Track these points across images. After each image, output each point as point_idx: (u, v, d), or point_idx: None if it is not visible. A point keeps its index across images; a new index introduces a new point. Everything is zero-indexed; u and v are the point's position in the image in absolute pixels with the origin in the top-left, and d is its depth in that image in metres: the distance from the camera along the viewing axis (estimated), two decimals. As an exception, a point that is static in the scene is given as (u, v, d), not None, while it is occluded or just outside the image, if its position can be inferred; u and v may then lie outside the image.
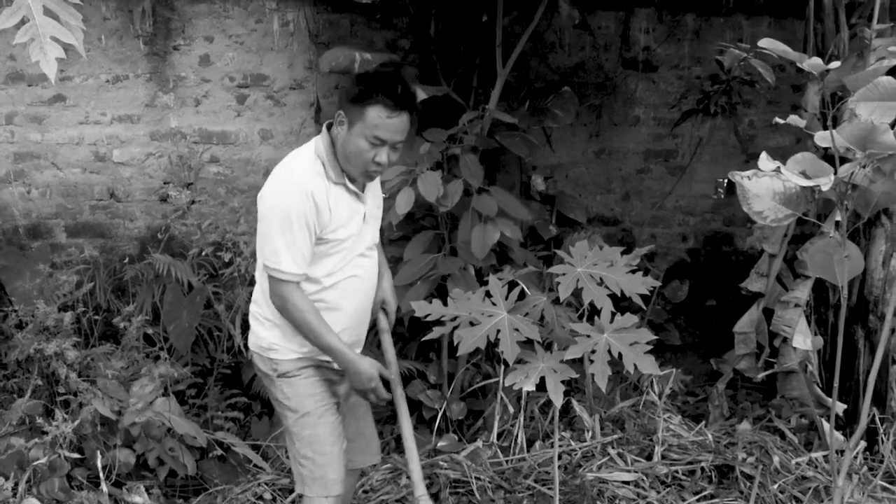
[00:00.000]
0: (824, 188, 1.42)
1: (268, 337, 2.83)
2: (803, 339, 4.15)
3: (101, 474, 3.44)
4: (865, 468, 3.84)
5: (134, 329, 4.06)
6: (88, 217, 5.04)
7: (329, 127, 2.75)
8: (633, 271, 2.71)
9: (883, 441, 4.00)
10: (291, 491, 3.76)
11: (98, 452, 3.51)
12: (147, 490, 3.60)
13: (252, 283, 4.19)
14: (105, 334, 4.50)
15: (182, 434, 3.71)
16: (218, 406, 4.22)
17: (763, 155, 1.51)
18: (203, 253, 4.28)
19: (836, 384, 1.72)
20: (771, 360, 4.34)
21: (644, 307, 2.95)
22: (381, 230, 3.04)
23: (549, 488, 3.70)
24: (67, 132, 4.96)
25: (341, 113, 2.66)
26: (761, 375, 4.32)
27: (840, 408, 3.93)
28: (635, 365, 2.51)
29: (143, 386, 3.77)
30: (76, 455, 3.54)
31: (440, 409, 4.18)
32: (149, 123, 4.97)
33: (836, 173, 1.47)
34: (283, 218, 2.62)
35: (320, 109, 5.00)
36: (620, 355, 2.52)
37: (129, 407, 3.67)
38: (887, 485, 3.75)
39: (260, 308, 2.86)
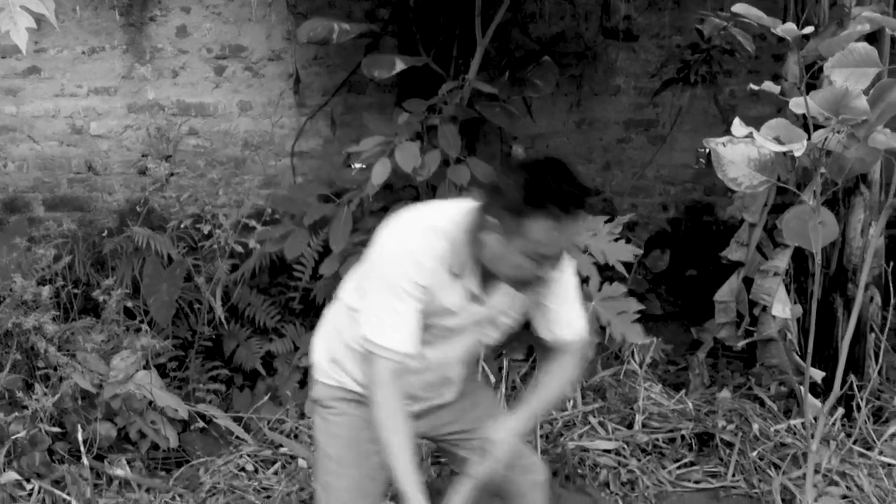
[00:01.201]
0: (797, 153, 1.42)
1: (318, 354, 2.48)
2: (782, 308, 4.17)
3: (82, 448, 3.44)
4: (843, 435, 3.88)
5: (114, 302, 4.04)
6: (66, 190, 5.00)
7: (480, 210, 2.16)
8: (616, 240, 2.72)
9: (860, 408, 4.04)
10: (274, 462, 3.78)
11: (79, 426, 3.51)
12: (129, 463, 3.60)
13: (232, 254, 4.20)
14: (84, 308, 4.47)
15: (163, 407, 3.71)
16: (199, 378, 4.21)
17: (736, 121, 1.51)
18: (182, 225, 4.25)
19: (809, 350, 1.74)
20: (751, 328, 4.36)
21: (626, 276, 2.96)
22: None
23: (530, 457, 3.72)
24: (43, 105, 4.91)
25: (491, 221, 2.11)
26: (741, 344, 4.34)
27: (817, 375, 3.96)
28: (622, 334, 2.52)
29: (124, 359, 3.75)
30: (56, 429, 3.53)
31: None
32: (126, 95, 4.92)
33: (809, 139, 1.47)
34: (385, 287, 2.18)
35: (299, 80, 4.97)
36: (608, 323, 2.54)
37: (109, 380, 3.66)
38: (863, 451, 3.79)
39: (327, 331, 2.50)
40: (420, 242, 2.17)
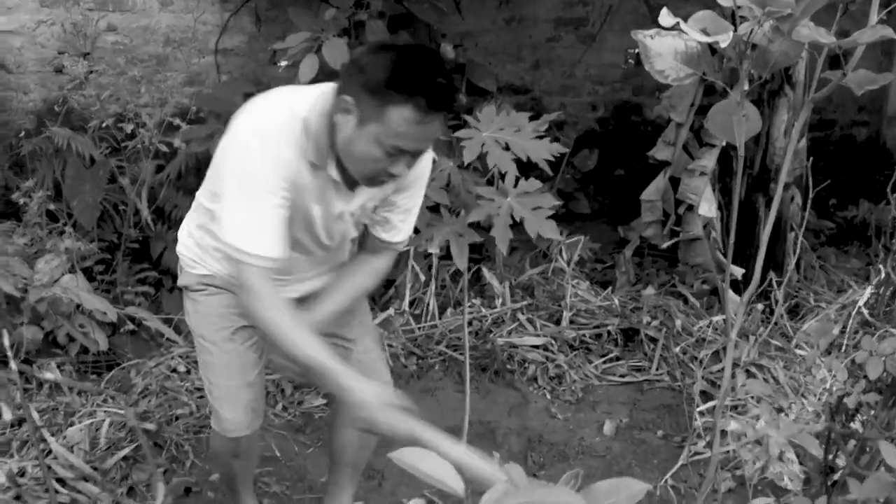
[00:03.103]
0: (723, 45, 1.43)
1: (185, 245, 2.37)
2: (708, 207, 4.27)
3: (8, 352, 3.38)
4: (762, 329, 4.03)
5: (35, 205, 3.92)
6: (-22, 90, 4.79)
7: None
8: (541, 138, 2.72)
9: (779, 304, 4.19)
10: (206, 363, 3.77)
11: (4, 331, 3.44)
12: (59, 367, 3.56)
13: (157, 155, 4.10)
14: (5, 213, 4.35)
15: (91, 310, 3.65)
16: (127, 281, 4.15)
17: (664, 10, 1.51)
18: (104, 125, 4.12)
19: (730, 247, 1.78)
20: (676, 227, 4.46)
21: (552, 174, 2.99)
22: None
23: (460, 353, 3.79)
24: (-53, -2, 4.65)
25: (347, 100, 1.90)
26: (667, 243, 4.44)
27: (738, 272, 4.09)
28: (536, 230, 2.55)
29: (48, 262, 3.67)
30: (-20, 335, 3.47)
31: (353, 278, 4.17)
32: (37, -12, 4.69)
33: (735, 31, 1.48)
34: (253, 185, 1.99)
35: (222, -26, 4.79)
36: (523, 220, 2.56)
37: (34, 284, 3.59)
38: (780, 344, 3.95)
39: (187, 219, 2.39)
40: (276, 130, 1.97)
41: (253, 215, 1.96)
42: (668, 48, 1.51)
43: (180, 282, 2.39)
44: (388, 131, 1.86)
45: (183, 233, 2.38)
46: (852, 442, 2.32)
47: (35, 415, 3.27)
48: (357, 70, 1.90)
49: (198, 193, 2.29)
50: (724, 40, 1.42)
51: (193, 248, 2.32)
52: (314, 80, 3.80)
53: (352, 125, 1.91)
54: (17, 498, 2.84)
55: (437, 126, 1.93)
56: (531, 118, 2.76)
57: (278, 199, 1.97)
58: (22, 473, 2.98)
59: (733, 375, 3.72)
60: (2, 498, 2.79)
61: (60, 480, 2.96)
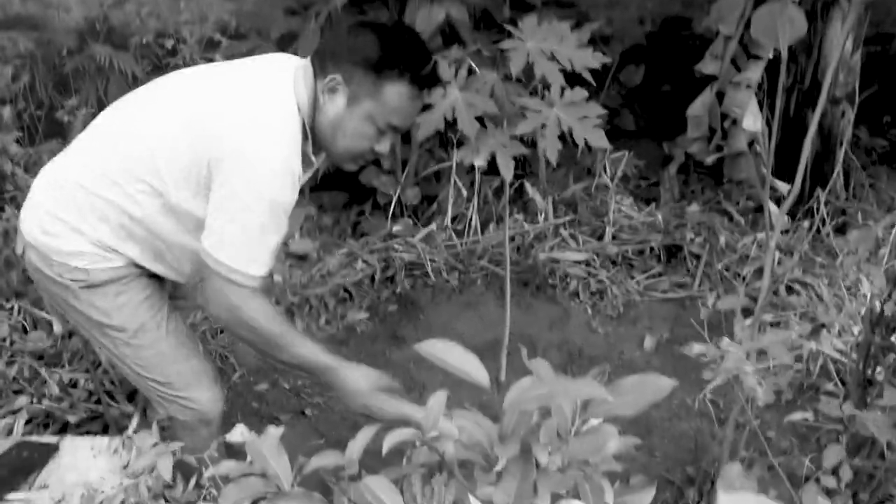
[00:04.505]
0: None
1: (74, 242, 2.01)
2: (753, 121, 4.18)
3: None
4: (807, 246, 3.97)
5: (79, 123, 3.96)
6: (19, 8, 4.80)
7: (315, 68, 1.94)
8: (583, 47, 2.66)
9: (825, 222, 4.12)
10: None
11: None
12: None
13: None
14: (50, 132, 4.40)
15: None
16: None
17: None
18: (145, 42, 4.13)
19: (771, 160, 1.75)
20: (722, 143, 4.38)
21: (595, 85, 2.93)
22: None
23: (501, 268, 3.79)
24: (-12, -86, 4.64)
25: (336, 78, 1.88)
26: (712, 158, 4.37)
27: (783, 187, 4.01)
28: (586, 141, 2.51)
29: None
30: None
31: (395, 194, 4.19)
32: None
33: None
34: (267, 212, 1.86)
35: None
36: (571, 130, 2.52)
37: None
38: (824, 262, 3.89)
39: (68, 214, 2.01)
40: (289, 142, 1.87)
41: (261, 242, 1.88)
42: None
43: (83, 284, 2.03)
44: (384, 108, 1.88)
45: (58, 232, 2.00)
46: (892, 356, 2.29)
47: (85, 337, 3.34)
48: (346, 49, 1.89)
49: (84, 179, 2.00)
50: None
51: (91, 243, 2.01)
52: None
53: (340, 104, 1.90)
54: (71, 407, 2.92)
55: (422, 102, 1.97)
56: (573, 28, 2.70)
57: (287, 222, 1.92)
58: (74, 384, 3.06)
59: (776, 292, 3.68)
60: (55, 406, 2.88)
61: (109, 394, 3.03)
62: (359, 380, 1.96)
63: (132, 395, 2.99)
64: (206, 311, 1.97)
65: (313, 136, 1.97)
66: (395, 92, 1.87)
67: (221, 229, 1.86)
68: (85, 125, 3.92)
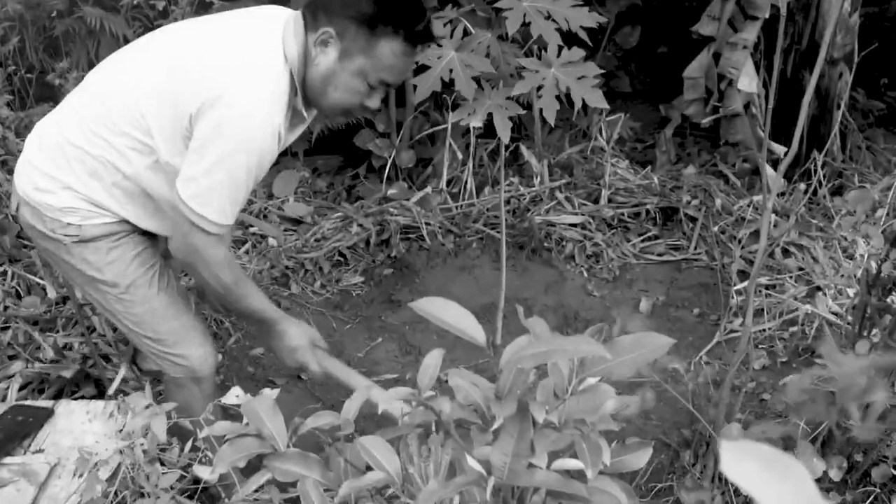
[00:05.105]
0: None
1: (66, 198, 2.01)
2: (749, 82, 4.15)
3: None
4: (804, 208, 3.96)
5: (70, 86, 3.92)
6: (9, -31, 4.73)
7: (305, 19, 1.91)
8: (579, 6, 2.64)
9: (822, 185, 4.10)
10: (244, 242, 3.81)
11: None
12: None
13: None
14: (41, 96, 4.35)
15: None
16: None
17: None
18: (136, 4, 4.07)
19: (768, 122, 1.73)
20: (718, 105, 4.35)
21: (591, 45, 2.90)
22: None
23: (497, 231, 3.79)
24: None
25: (329, 32, 1.86)
26: (708, 120, 4.34)
27: (779, 149, 4.00)
28: (583, 102, 2.50)
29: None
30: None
31: (389, 157, 4.16)
32: None
33: None
34: (243, 159, 1.85)
35: None
36: (568, 90, 2.50)
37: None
38: (820, 224, 3.88)
39: (60, 170, 2.01)
40: (275, 97, 1.85)
41: (234, 194, 1.89)
42: None
43: (75, 239, 2.04)
44: (377, 64, 1.86)
45: (50, 189, 2.01)
46: (888, 317, 2.29)
47: (78, 293, 3.34)
48: (340, 3, 1.86)
49: (74, 135, 1.99)
50: None
51: (83, 199, 2.01)
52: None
53: (332, 58, 1.88)
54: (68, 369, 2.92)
55: (415, 59, 1.97)
56: (570, -14, 2.67)
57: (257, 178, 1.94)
58: (70, 347, 3.06)
59: (772, 255, 3.68)
60: (49, 367, 2.88)
61: (105, 357, 3.03)
62: (300, 335, 2.10)
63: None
64: (171, 252, 2.00)
65: (303, 90, 1.95)
66: (389, 48, 1.85)
67: (194, 175, 1.86)
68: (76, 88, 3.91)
